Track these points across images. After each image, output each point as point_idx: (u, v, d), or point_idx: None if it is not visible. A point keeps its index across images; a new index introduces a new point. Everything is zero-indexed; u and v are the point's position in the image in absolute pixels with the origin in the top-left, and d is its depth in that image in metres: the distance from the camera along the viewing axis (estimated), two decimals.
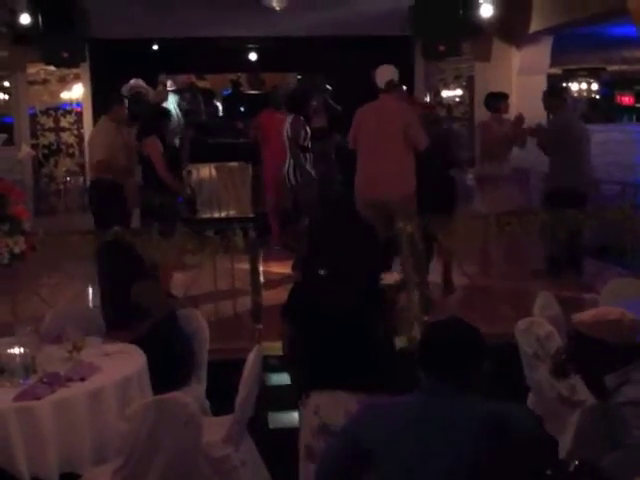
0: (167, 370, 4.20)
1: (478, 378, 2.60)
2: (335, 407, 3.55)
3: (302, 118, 7.98)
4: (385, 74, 6.57)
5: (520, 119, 7.36)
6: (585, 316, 2.98)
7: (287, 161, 7.91)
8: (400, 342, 5.35)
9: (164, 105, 9.37)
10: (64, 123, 10.04)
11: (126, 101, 7.16)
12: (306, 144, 7.86)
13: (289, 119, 7.96)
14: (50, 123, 10.01)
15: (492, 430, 2.47)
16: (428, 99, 10.33)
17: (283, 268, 7.80)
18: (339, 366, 3.65)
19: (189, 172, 9.63)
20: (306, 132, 7.92)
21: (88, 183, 7.02)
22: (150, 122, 7.13)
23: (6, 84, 10.54)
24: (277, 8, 7.29)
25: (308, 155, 7.92)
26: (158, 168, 6.75)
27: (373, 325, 3.86)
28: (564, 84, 18.04)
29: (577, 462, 2.57)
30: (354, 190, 6.54)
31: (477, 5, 9.40)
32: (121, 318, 5.07)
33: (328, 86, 9.95)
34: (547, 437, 2.64)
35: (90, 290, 7.17)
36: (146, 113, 7.57)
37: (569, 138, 7.18)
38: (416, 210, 6.38)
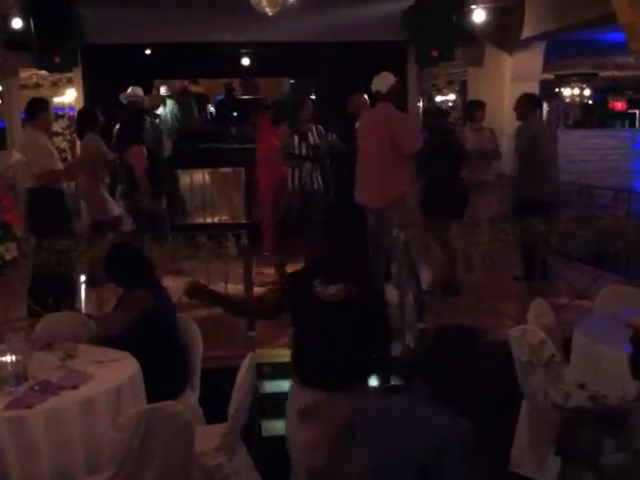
0: (163, 379, 4.17)
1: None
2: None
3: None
4: (387, 81, 6.45)
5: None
6: None
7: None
8: (394, 350, 5.35)
9: (158, 111, 9.40)
10: (57, 127, 10.03)
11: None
12: (298, 152, 7.70)
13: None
14: None
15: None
16: (421, 104, 10.36)
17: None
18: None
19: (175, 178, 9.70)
20: (297, 140, 7.77)
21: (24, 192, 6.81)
22: (132, 130, 7.23)
23: None
24: (270, 13, 7.25)
25: (312, 164, 7.77)
26: (138, 175, 7.19)
27: None
28: (557, 89, 18.13)
29: None
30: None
31: (470, 11, 9.42)
32: None
33: None
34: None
35: (82, 296, 7.13)
36: (125, 119, 7.64)
37: (540, 145, 7.21)
38: (420, 212, 6.43)
